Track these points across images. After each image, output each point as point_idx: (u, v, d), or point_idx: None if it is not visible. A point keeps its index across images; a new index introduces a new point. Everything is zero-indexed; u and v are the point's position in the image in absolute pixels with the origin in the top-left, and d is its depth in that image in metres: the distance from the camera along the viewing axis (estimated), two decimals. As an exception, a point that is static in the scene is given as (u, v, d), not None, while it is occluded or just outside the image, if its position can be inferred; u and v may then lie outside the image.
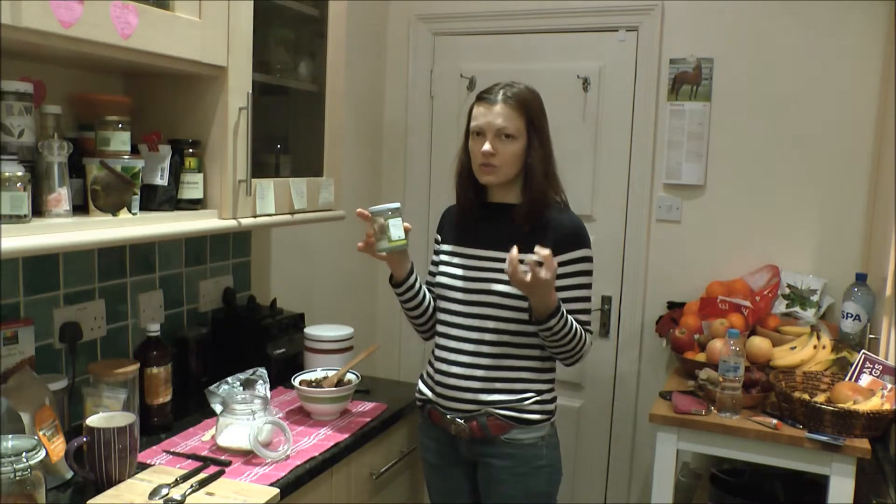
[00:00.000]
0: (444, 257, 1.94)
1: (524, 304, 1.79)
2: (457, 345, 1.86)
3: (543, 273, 1.62)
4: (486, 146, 1.79)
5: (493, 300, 1.81)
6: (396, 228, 1.77)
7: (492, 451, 1.86)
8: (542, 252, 1.63)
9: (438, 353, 1.91)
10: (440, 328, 1.92)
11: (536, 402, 1.84)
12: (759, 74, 2.68)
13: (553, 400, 1.90)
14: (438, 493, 2.03)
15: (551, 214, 1.84)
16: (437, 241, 2.02)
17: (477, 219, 1.91)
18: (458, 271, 1.88)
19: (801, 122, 2.65)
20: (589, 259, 1.85)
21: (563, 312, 1.74)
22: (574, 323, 1.79)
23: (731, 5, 2.69)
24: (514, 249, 1.66)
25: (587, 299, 1.86)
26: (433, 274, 1.99)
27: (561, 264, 1.78)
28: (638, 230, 2.88)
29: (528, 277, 1.63)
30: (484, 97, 1.83)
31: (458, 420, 1.85)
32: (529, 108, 1.81)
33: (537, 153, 1.82)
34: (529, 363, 1.85)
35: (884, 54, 2.51)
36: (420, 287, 1.96)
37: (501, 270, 1.79)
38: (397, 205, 1.80)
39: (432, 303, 1.98)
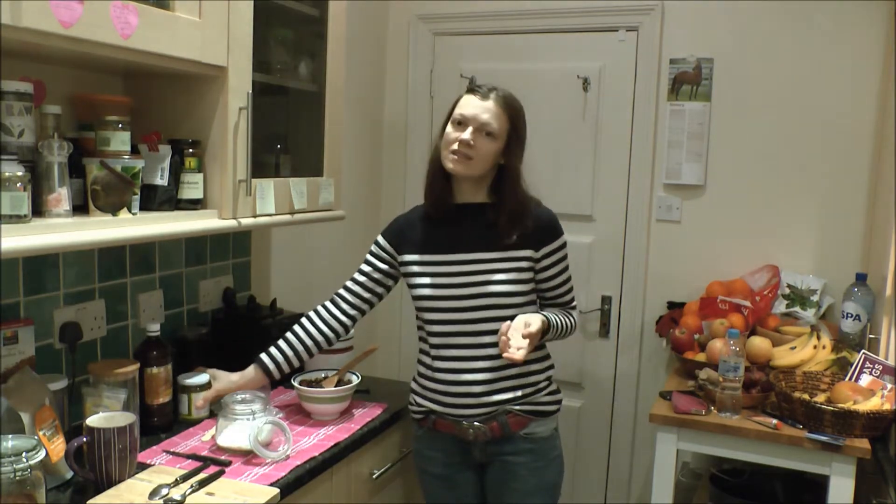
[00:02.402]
0: (414, 268, 1.87)
1: (521, 300, 1.83)
2: (462, 352, 1.83)
3: (521, 352, 1.67)
4: (467, 135, 1.77)
5: (491, 301, 1.81)
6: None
7: (509, 449, 1.86)
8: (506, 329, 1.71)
9: (440, 363, 1.85)
10: (434, 339, 1.86)
11: (549, 393, 1.89)
12: (759, 74, 2.68)
13: (559, 390, 1.95)
14: (444, 501, 1.98)
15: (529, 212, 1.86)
16: (387, 253, 1.92)
17: (446, 222, 1.88)
18: (448, 279, 1.83)
19: (801, 122, 2.65)
20: (566, 244, 1.92)
21: (551, 325, 1.83)
22: (560, 320, 1.87)
23: (731, 5, 2.69)
24: (505, 325, 1.72)
25: (569, 279, 1.95)
26: (372, 279, 1.94)
27: (546, 255, 1.86)
28: (638, 230, 2.88)
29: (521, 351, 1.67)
30: (476, 90, 1.83)
31: (477, 423, 1.83)
32: (516, 114, 1.83)
33: (516, 159, 1.83)
34: (533, 355, 1.84)
35: (884, 54, 2.51)
36: (286, 358, 1.93)
37: (494, 271, 1.82)
38: (205, 378, 1.93)
39: (305, 341, 1.95)
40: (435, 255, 1.86)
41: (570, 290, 1.96)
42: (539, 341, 1.81)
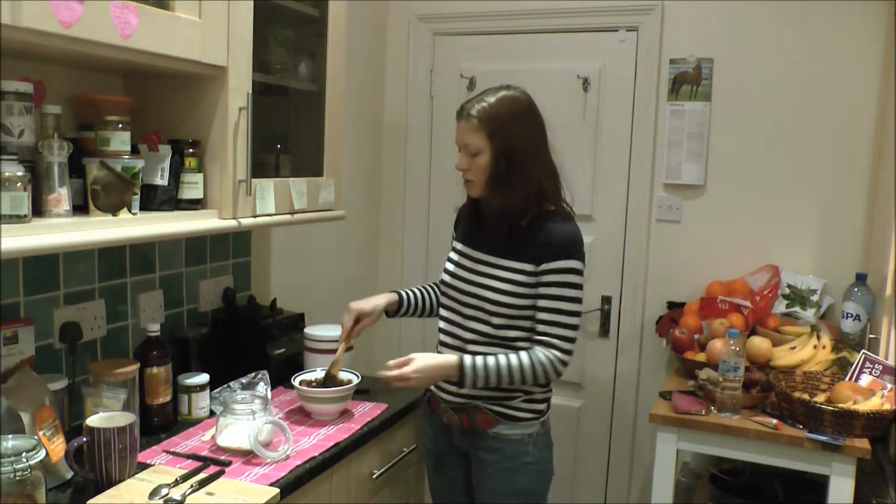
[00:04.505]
0: (451, 254, 1.99)
1: (513, 312, 1.81)
2: (449, 339, 1.92)
3: (403, 380, 1.76)
4: (458, 162, 1.84)
5: (478, 304, 1.85)
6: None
7: (480, 444, 1.89)
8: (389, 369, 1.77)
9: (438, 345, 1.96)
10: (441, 323, 1.97)
11: (525, 401, 1.87)
12: (759, 74, 2.68)
13: (544, 400, 1.92)
14: (435, 480, 2.08)
15: (545, 223, 1.80)
16: (453, 237, 2.06)
17: (477, 221, 1.93)
18: (457, 270, 1.93)
19: (801, 122, 2.65)
20: (574, 271, 1.78)
21: (470, 370, 1.77)
22: (501, 364, 1.77)
23: (731, 5, 2.69)
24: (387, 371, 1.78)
25: (564, 313, 1.77)
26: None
27: (543, 273, 1.78)
28: (638, 230, 2.88)
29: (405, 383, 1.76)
30: (457, 113, 1.83)
31: (450, 410, 1.90)
32: (492, 120, 1.76)
33: (498, 164, 1.77)
34: None
35: (884, 54, 2.51)
36: (412, 304, 2.07)
37: (489, 275, 1.84)
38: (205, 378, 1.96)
39: (436, 301, 2.07)
40: (464, 247, 1.95)
41: (557, 324, 1.77)
42: (463, 384, 1.79)
